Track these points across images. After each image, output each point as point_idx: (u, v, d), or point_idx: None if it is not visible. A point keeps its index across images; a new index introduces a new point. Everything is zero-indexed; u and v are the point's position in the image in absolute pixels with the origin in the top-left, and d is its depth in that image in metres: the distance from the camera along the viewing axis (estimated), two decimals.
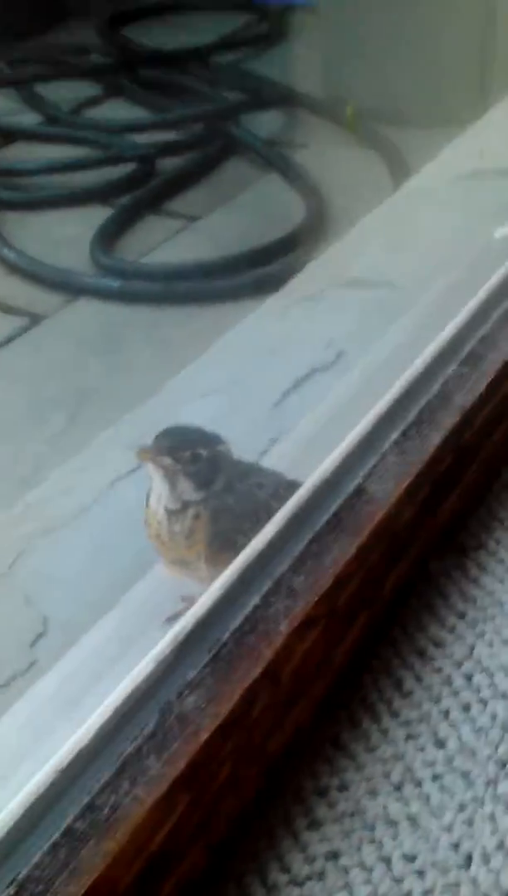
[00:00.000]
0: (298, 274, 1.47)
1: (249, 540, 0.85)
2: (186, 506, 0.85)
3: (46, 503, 1.10)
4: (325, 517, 0.83)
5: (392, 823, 0.68)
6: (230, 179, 2.31)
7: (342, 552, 0.80)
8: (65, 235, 2.15)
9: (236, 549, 0.85)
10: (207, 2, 3.37)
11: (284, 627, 0.74)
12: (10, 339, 1.83)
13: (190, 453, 0.84)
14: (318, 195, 2.10)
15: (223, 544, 0.86)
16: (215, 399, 1.21)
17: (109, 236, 2.06)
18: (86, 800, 0.64)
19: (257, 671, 0.71)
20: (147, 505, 0.88)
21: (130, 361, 1.73)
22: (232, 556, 0.84)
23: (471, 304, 1.09)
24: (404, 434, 0.92)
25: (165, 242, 2.08)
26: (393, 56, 2.31)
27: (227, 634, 0.74)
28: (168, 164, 2.36)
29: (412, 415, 0.94)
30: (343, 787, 0.71)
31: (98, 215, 2.19)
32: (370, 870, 0.65)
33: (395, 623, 0.85)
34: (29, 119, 2.65)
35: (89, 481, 1.11)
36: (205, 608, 0.76)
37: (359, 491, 0.86)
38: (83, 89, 2.82)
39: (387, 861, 0.65)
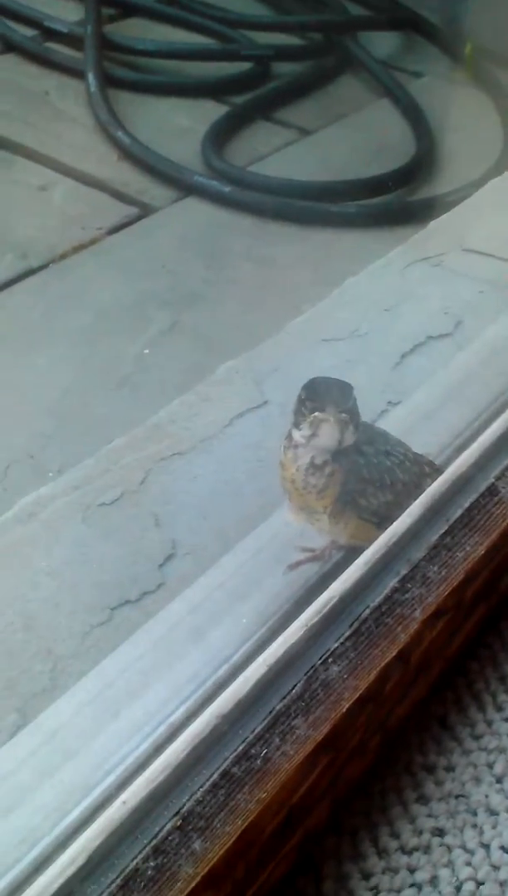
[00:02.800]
0: (419, 231, 1.51)
1: (370, 503, 0.92)
2: (325, 462, 0.91)
3: (172, 426, 1.16)
4: (459, 511, 0.91)
5: (493, 813, 0.76)
6: (344, 97, 2.30)
7: (473, 549, 0.88)
8: (175, 126, 2.15)
9: (357, 509, 0.92)
10: None
11: (418, 614, 0.82)
12: (119, 227, 1.85)
13: (353, 402, 0.89)
14: (430, 132, 2.10)
15: (348, 503, 0.92)
16: (337, 347, 1.27)
17: (220, 137, 2.07)
18: (241, 748, 0.72)
19: (392, 652, 0.79)
20: (289, 449, 0.92)
21: (235, 272, 1.76)
22: (353, 515, 0.92)
23: None
24: None
25: (274, 153, 2.09)
26: None
27: (367, 612, 0.82)
28: (283, 68, 2.35)
29: None
30: (450, 768, 0.80)
31: (209, 110, 2.19)
32: (471, 852, 0.74)
33: (505, 617, 0.93)
34: None
35: (214, 411, 1.17)
36: (349, 582, 0.84)
37: (491, 491, 0.93)
38: None
39: (487, 848, 0.74)
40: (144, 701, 0.87)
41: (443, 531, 0.89)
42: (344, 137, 2.15)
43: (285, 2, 2.60)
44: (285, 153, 2.09)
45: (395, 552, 0.87)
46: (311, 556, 0.99)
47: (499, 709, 0.84)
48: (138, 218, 1.89)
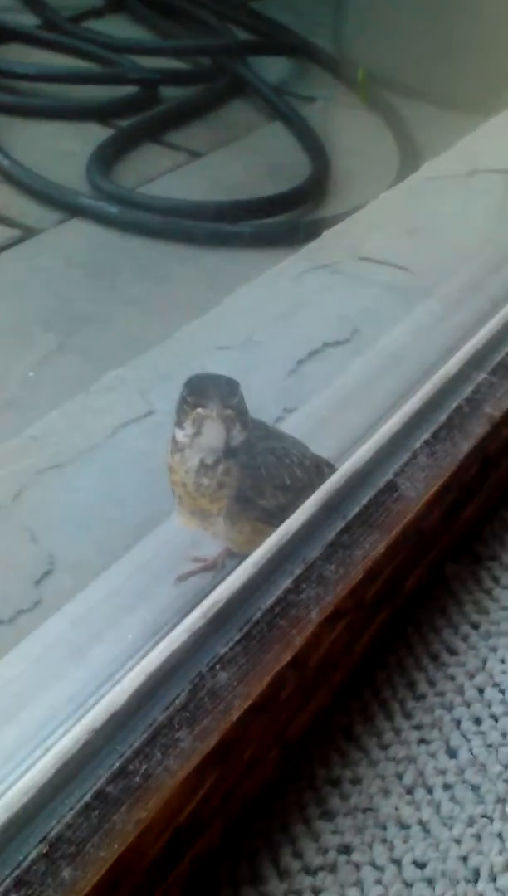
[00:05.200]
0: (313, 241, 1.46)
1: (269, 504, 0.86)
2: (217, 461, 0.84)
3: (52, 437, 1.08)
4: (356, 509, 0.84)
5: (404, 826, 0.69)
6: (235, 120, 2.26)
7: (372, 547, 0.81)
8: (59, 149, 2.09)
9: (255, 511, 0.85)
10: None
11: (314, 616, 0.75)
12: (0, 250, 1.78)
13: (238, 398, 0.83)
14: (324, 153, 2.07)
15: (245, 505, 0.85)
16: (229, 355, 1.20)
17: (107, 158, 2.01)
18: (118, 764, 0.64)
19: (287, 656, 0.72)
20: (175, 451, 0.85)
21: (123, 291, 1.70)
22: (250, 517, 0.85)
23: (503, 313, 1.11)
24: (434, 436, 0.93)
25: (164, 174, 2.03)
26: (414, 25, 2.27)
27: (259, 614, 0.74)
28: (170, 93, 2.31)
29: (442, 418, 0.95)
30: (356, 781, 0.72)
31: (95, 133, 2.13)
32: (381, 870, 0.67)
33: (410, 622, 0.87)
34: (25, 20, 2.55)
35: (98, 421, 1.10)
36: (238, 584, 0.77)
37: (390, 487, 0.87)
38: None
39: (398, 864, 0.67)
40: (17, 725, 0.78)
41: (340, 528, 0.82)
42: (235, 159, 2.11)
43: (172, 27, 2.57)
44: (174, 175, 2.04)
45: (288, 551, 0.80)
46: (202, 565, 0.92)
47: (408, 716, 0.77)
48: (21, 240, 1.82)
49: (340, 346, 1.23)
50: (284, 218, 1.92)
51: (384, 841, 0.68)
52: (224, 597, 0.75)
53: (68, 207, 1.88)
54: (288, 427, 1.06)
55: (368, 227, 1.48)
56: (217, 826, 0.68)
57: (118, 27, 2.58)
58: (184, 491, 0.85)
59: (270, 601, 0.75)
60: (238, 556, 0.89)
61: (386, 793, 0.71)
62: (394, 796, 0.71)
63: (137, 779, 0.63)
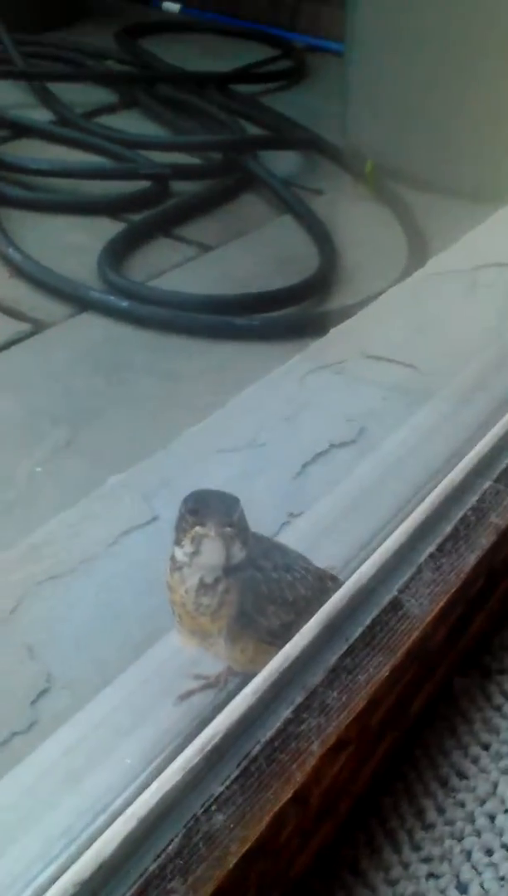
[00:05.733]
0: (319, 338, 1.45)
1: (271, 623, 0.83)
2: (217, 580, 0.82)
3: (51, 546, 1.06)
4: (360, 630, 0.82)
5: None
6: (245, 214, 2.27)
7: (377, 671, 0.79)
8: (70, 243, 2.10)
9: (257, 631, 0.83)
10: (230, 28, 3.34)
11: (316, 748, 0.72)
12: (10, 344, 1.78)
13: (238, 516, 0.81)
14: (332, 246, 2.07)
15: (246, 624, 0.83)
16: (233, 458, 1.19)
17: (118, 252, 2.02)
18: None
19: (287, 794, 0.69)
20: (174, 569, 0.83)
21: (134, 388, 1.69)
22: (252, 637, 0.82)
23: (506, 420, 1.09)
24: (440, 549, 0.90)
25: (174, 268, 2.04)
26: (421, 116, 2.29)
27: (257, 748, 0.72)
28: (181, 187, 2.33)
29: (447, 529, 0.92)
30: None
31: (106, 228, 2.14)
32: None
33: (418, 744, 0.84)
34: (40, 116, 2.60)
35: (99, 529, 1.08)
36: (236, 715, 0.74)
37: (395, 605, 0.84)
38: (97, 94, 2.77)
39: None
40: (4, 863, 0.75)
41: (342, 652, 0.80)
42: (245, 253, 2.11)
43: (183, 122, 2.60)
44: (185, 269, 2.04)
45: (288, 678, 0.77)
46: (204, 683, 0.89)
47: (416, 848, 0.74)
48: (31, 334, 1.82)
49: (346, 447, 1.21)
50: (293, 310, 1.91)
51: None
52: (221, 730, 0.72)
53: (79, 301, 1.89)
54: (293, 533, 1.05)
55: (375, 323, 1.47)
56: None
57: (131, 123, 2.61)
58: (183, 610, 0.83)
59: (269, 734, 0.73)
60: (241, 675, 0.86)
61: None
62: None
63: None
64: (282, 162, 2.46)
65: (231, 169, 2.37)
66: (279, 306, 1.90)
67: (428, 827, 0.76)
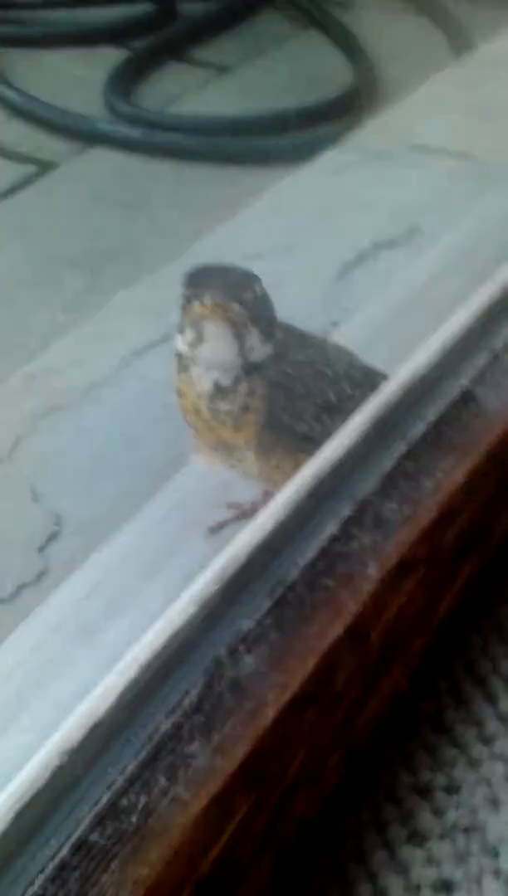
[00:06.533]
0: (357, 129, 1.25)
1: (312, 429, 0.67)
2: (237, 379, 0.65)
3: (53, 375, 0.90)
4: (422, 427, 0.64)
5: None
6: (265, 31, 2.04)
7: (447, 477, 0.61)
8: (74, 77, 1.89)
9: (295, 439, 0.66)
10: None
11: (373, 571, 0.56)
12: (14, 189, 1.59)
13: (253, 294, 0.64)
14: (368, 58, 1.85)
15: (279, 432, 0.67)
16: (261, 265, 1.00)
17: (125, 81, 1.81)
18: (104, 800, 0.45)
19: (338, 628, 0.53)
20: (180, 368, 0.67)
21: (155, 221, 1.50)
22: (288, 448, 0.67)
23: None
24: None
25: (189, 93, 1.83)
26: None
27: (295, 574, 0.55)
28: (191, 8, 2.09)
29: None
30: (453, 789, 0.53)
31: (111, 58, 1.92)
32: None
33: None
34: None
35: (104, 351, 0.92)
36: (264, 532, 0.56)
37: (466, 397, 0.67)
38: None
39: None
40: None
41: (402, 453, 0.62)
42: (268, 71, 1.90)
43: None
44: (201, 92, 1.84)
45: (331, 487, 0.60)
46: (237, 512, 0.73)
47: None
48: (37, 176, 1.63)
49: (396, 247, 1.03)
50: (330, 128, 1.70)
51: (496, 874, 0.49)
52: (244, 551, 0.55)
53: (86, 136, 1.69)
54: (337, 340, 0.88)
55: (421, 111, 1.27)
56: (265, 866, 0.49)
57: None
58: (198, 420, 0.67)
59: (310, 555, 0.56)
60: None
61: (495, 803, 0.52)
62: (506, 808, 0.51)
63: (134, 819, 0.45)
64: None
65: None
66: (314, 124, 1.69)
67: None
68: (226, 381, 0.65)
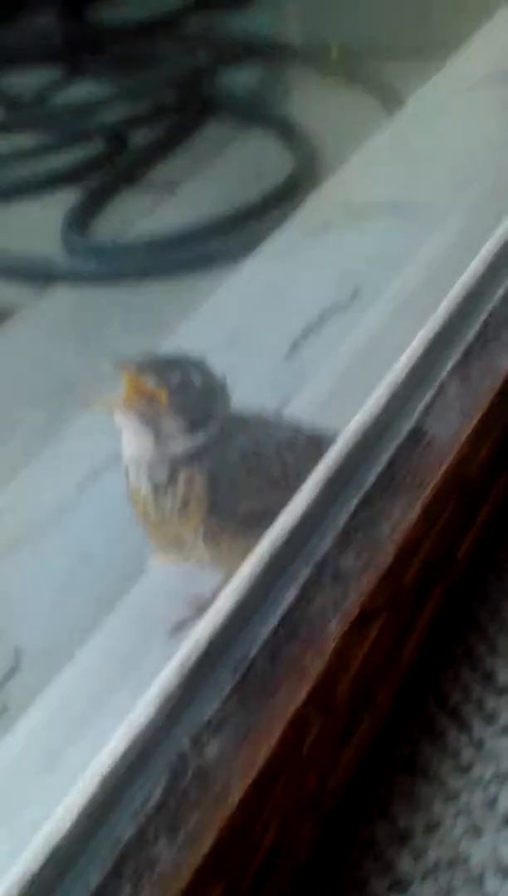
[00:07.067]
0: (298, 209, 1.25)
1: (256, 506, 0.64)
2: (174, 472, 0.63)
3: (10, 511, 0.88)
4: (375, 472, 0.61)
5: None
6: (209, 140, 2.07)
7: (403, 515, 0.59)
8: (32, 223, 1.91)
9: (243, 522, 0.64)
10: None
11: (334, 626, 0.53)
12: None
13: (179, 378, 0.62)
14: (306, 140, 1.87)
15: (226, 517, 0.64)
16: (210, 360, 1.00)
17: (81, 217, 1.82)
18: None
19: (303, 692, 0.50)
20: (127, 477, 0.65)
21: (111, 346, 1.50)
22: (238, 532, 0.64)
23: None
24: (465, 356, 0.70)
25: (143, 216, 1.84)
26: None
27: (257, 647, 0.52)
28: (142, 136, 2.12)
29: (472, 331, 0.72)
30: (432, 827, 0.49)
31: (70, 197, 1.95)
32: None
33: (474, 597, 0.63)
34: None
35: (63, 476, 0.89)
36: (222, 616, 0.54)
37: (416, 434, 0.64)
38: (48, 75, 2.57)
39: None
40: None
41: (356, 503, 0.59)
42: (216, 180, 1.88)
43: (134, 74, 2.40)
44: (154, 214, 1.82)
45: (287, 554, 0.57)
46: (198, 604, 0.70)
47: (489, 719, 0.55)
48: None
49: (340, 311, 1.02)
50: (275, 217, 1.70)
51: None
52: (205, 638, 0.52)
53: (43, 276, 1.70)
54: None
55: (357, 175, 1.27)
56: None
57: (87, 91, 2.42)
58: (148, 521, 0.65)
59: (271, 624, 0.53)
60: None
61: (477, 832, 0.48)
62: (488, 834, 0.48)
63: None
64: (242, 81, 2.24)
65: (186, 102, 2.16)
66: (258, 217, 1.69)
67: (502, 691, 0.56)
68: (161, 476, 0.63)
